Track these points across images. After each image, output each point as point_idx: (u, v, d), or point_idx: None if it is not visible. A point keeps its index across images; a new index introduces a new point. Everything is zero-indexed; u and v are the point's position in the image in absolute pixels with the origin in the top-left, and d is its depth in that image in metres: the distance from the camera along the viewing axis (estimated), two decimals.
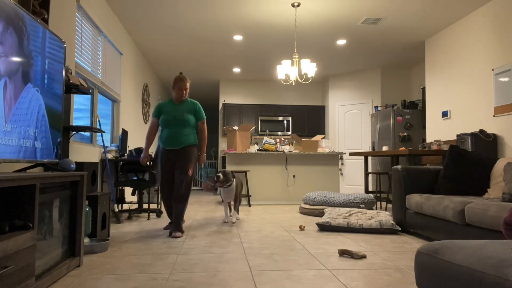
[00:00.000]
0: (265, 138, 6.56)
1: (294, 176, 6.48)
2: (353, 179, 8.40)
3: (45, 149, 2.24)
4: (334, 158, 6.57)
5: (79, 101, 4.34)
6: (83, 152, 4.14)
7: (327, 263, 2.56)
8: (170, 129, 3.57)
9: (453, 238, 2.96)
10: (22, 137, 1.97)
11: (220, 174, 4.03)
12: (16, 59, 1.91)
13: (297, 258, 2.70)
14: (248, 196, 6.16)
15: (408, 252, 2.91)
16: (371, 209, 5.10)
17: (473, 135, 4.67)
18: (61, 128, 2.48)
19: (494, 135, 4.67)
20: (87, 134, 4.60)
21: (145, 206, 5.73)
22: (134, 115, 6.60)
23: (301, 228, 3.86)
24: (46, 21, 2.89)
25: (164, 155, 3.62)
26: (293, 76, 5.13)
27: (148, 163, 3.70)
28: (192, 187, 11.20)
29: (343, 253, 2.76)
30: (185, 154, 3.56)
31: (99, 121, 4.61)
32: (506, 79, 4.56)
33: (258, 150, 6.45)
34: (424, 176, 3.67)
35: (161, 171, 3.65)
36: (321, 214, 4.88)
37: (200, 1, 4.85)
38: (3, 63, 1.80)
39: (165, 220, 4.51)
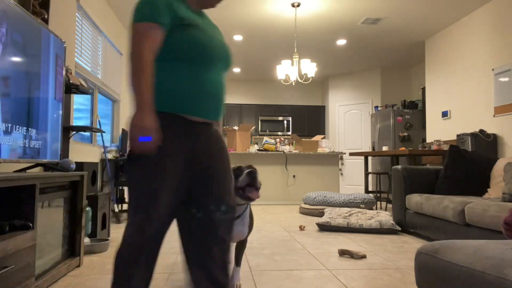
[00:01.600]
0: (265, 138, 6.56)
1: (294, 176, 6.48)
2: (353, 179, 8.40)
3: (45, 149, 2.24)
4: (334, 158, 6.57)
5: (79, 101, 4.34)
6: (83, 152, 4.14)
7: (327, 263, 2.56)
8: (213, 75, 1.33)
9: (453, 238, 2.96)
10: (23, 137, 1.97)
11: (257, 175, 1.77)
12: (16, 59, 1.91)
13: (297, 258, 2.70)
14: None
15: (408, 252, 2.91)
16: (371, 209, 5.10)
17: (473, 135, 4.67)
18: (61, 128, 2.48)
19: (494, 135, 4.67)
20: (87, 134, 4.60)
21: None
22: None
23: (301, 228, 3.86)
24: (46, 21, 2.89)
25: (181, 140, 1.26)
26: (293, 76, 5.13)
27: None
28: None
29: (343, 253, 2.75)
30: (223, 142, 1.41)
31: (99, 121, 4.61)
32: (506, 79, 4.56)
33: (258, 150, 6.45)
34: (424, 176, 3.67)
35: (159, 185, 1.20)
36: (321, 214, 4.88)
37: None
38: (3, 64, 1.80)
39: None
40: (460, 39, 5.46)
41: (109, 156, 4.71)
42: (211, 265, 1.28)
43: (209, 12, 5.18)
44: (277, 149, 6.48)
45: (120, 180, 4.60)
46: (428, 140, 6.19)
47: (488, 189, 3.31)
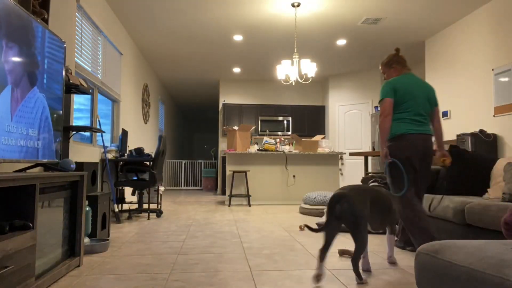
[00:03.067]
0: (265, 138, 6.56)
1: (294, 176, 6.48)
2: (353, 179, 8.40)
3: (45, 149, 2.24)
4: (334, 158, 6.57)
5: (79, 101, 4.34)
6: (83, 152, 4.14)
7: (327, 263, 2.56)
8: None
9: (453, 238, 2.96)
10: (23, 137, 1.97)
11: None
12: (16, 59, 1.91)
13: (297, 258, 2.70)
14: (248, 196, 6.16)
15: (408, 252, 2.91)
16: None
17: (473, 135, 4.67)
18: (61, 128, 2.48)
19: (494, 135, 4.67)
20: (87, 134, 4.60)
21: (145, 206, 5.73)
22: (134, 115, 6.60)
23: (301, 228, 3.86)
24: (46, 21, 2.89)
25: None
26: (293, 76, 5.13)
27: None
28: (192, 187, 11.19)
29: (343, 253, 2.75)
30: None
31: (99, 121, 4.61)
32: (506, 79, 4.56)
33: (258, 150, 6.45)
34: None
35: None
36: (321, 214, 4.88)
37: (200, 1, 4.85)
38: (2, 64, 1.80)
39: (164, 220, 4.50)
40: (460, 39, 5.46)
41: (109, 156, 4.71)
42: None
43: (209, 11, 5.19)
44: (277, 149, 6.48)
45: (120, 180, 4.60)
46: None
47: (488, 189, 3.31)
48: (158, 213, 4.74)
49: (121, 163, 4.83)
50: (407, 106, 2.71)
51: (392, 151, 2.67)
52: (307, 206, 5.16)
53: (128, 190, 6.07)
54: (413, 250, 2.93)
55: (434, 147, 2.83)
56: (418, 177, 2.73)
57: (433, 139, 2.82)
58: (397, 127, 2.69)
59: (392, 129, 2.70)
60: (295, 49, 5.50)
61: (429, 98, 2.80)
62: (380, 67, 3.06)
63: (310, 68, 4.95)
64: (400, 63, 2.91)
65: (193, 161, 11.43)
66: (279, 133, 9.11)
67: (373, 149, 7.54)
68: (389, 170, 2.67)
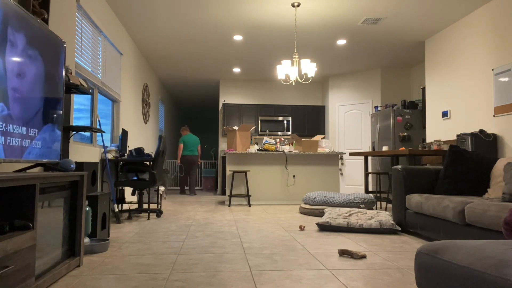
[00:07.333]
0: (265, 138, 6.56)
1: (294, 176, 6.48)
2: (353, 179, 8.40)
3: (45, 149, 2.24)
4: (334, 158, 6.57)
5: (79, 101, 4.34)
6: (83, 152, 4.14)
7: (327, 263, 2.56)
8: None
9: (453, 238, 2.97)
10: (23, 137, 1.97)
11: None
12: (16, 59, 1.91)
13: (297, 258, 2.70)
14: (248, 196, 6.16)
15: (408, 252, 2.91)
16: (371, 209, 5.10)
17: (473, 135, 4.67)
18: (61, 128, 2.48)
19: (494, 135, 4.67)
20: (87, 134, 4.60)
21: (145, 206, 5.73)
22: (134, 115, 6.60)
23: (301, 228, 3.86)
24: (46, 21, 2.89)
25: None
26: (293, 76, 5.13)
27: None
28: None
29: (343, 253, 2.76)
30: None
31: (99, 121, 4.61)
32: (506, 79, 4.56)
33: (258, 150, 6.45)
34: (424, 176, 3.67)
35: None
36: (321, 214, 4.88)
37: (200, 1, 4.85)
38: (2, 64, 1.80)
39: (164, 220, 4.51)
40: (460, 39, 5.46)
41: (109, 156, 4.71)
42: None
43: (209, 11, 5.19)
44: (277, 149, 6.48)
45: (120, 180, 4.60)
46: (428, 140, 6.19)
47: (488, 189, 3.31)
48: (158, 213, 4.74)
49: (121, 163, 4.83)
50: (187, 146, 8.18)
51: (182, 161, 8.20)
52: (307, 206, 5.16)
53: (128, 190, 6.07)
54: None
55: (198, 160, 8.43)
56: (190, 172, 8.28)
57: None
58: (184, 152, 8.18)
59: (182, 153, 8.17)
60: (295, 49, 5.50)
61: (195, 143, 8.29)
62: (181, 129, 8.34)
63: (310, 68, 4.95)
64: (185, 130, 8.40)
65: None
66: (279, 133, 9.11)
67: (373, 149, 7.54)
68: (179, 168, 8.65)
